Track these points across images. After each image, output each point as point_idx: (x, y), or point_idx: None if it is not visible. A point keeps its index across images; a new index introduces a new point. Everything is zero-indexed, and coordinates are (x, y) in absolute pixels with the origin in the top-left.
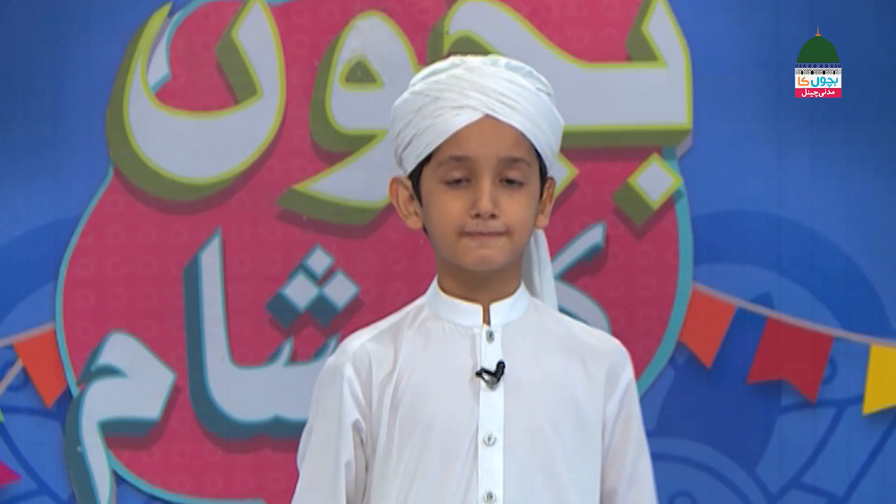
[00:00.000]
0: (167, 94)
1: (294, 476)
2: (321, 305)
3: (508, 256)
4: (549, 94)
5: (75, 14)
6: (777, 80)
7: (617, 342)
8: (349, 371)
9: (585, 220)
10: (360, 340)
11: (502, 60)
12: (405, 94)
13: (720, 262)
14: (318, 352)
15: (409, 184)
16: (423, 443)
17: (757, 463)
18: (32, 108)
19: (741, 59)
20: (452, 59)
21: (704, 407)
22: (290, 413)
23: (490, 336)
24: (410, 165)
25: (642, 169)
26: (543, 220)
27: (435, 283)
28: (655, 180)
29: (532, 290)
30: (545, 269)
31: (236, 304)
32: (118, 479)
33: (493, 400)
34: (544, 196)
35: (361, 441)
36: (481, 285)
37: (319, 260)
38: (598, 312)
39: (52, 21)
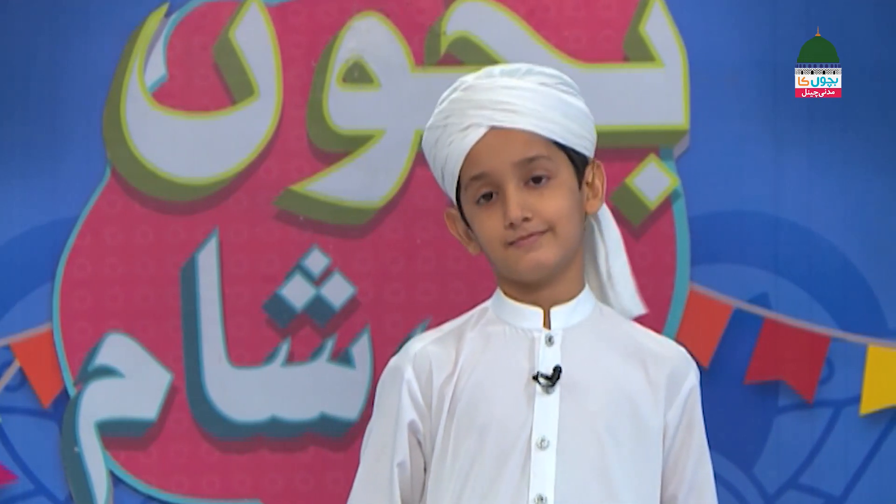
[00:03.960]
0: (164, 95)
1: (291, 477)
2: (318, 306)
3: (560, 252)
4: (560, 84)
5: (72, 14)
6: (774, 81)
7: (682, 350)
8: (409, 373)
9: None
10: (422, 343)
11: (497, 69)
12: (424, 133)
13: (717, 263)
14: (315, 352)
15: (458, 214)
16: (477, 444)
17: (754, 463)
18: (29, 109)
19: (738, 59)
20: (454, 84)
21: (701, 407)
22: (287, 413)
23: (549, 340)
24: (452, 196)
25: (639, 169)
26: (595, 204)
27: (498, 287)
28: (652, 181)
29: (600, 280)
30: (615, 255)
31: (233, 305)
32: (115, 480)
33: (547, 404)
34: (591, 179)
35: (419, 442)
36: (540, 289)
37: (316, 260)
38: None
39: (49, 21)
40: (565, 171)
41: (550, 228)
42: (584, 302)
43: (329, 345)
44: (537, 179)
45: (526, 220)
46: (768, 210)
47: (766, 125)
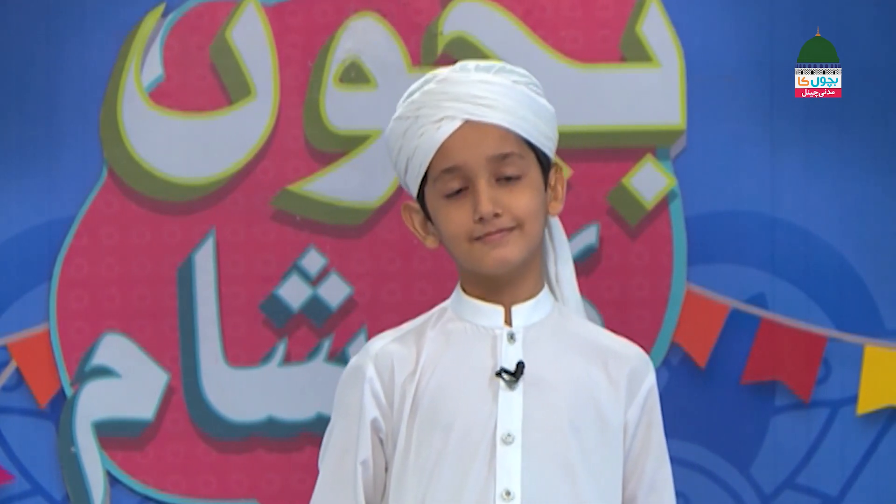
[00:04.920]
0: (161, 95)
1: (288, 477)
2: (315, 306)
3: (524, 250)
4: (530, 84)
5: (69, 14)
6: (771, 81)
7: (640, 350)
8: (371, 371)
9: (579, 220)
10: (383, 341)
11: (471, 64)
12: (390, 123)
13: (714, 263)
14: (312, 352)
15: (418, 207)
16: (441, 441)
17: (751, 463)
18: (26, 109)
19: (735, 59)
20: (425, 77)
21: (698, 407)
22: (283, 414)
23: (511, 337)
24: (414, 188)
25: (636, 169)
26: (557, 207)
27: (458, 286)
28: (649, 181)
29: (548, 281)
30: (563, 260)
31: (230, 305)
32: (112, 480)
33: (511, 399)
34: (553, 182)
35: (381, 441)
36: (502, 287)
37: (313, 260)
38: (592, 313)
39: (45, 21)
40: (534, 170)
41: (518, 226)
42: (544, 301)
43: (326, 345)
44: (508, 177)
45: (496, 215)
46: (765, 210)
47: (762, 125)
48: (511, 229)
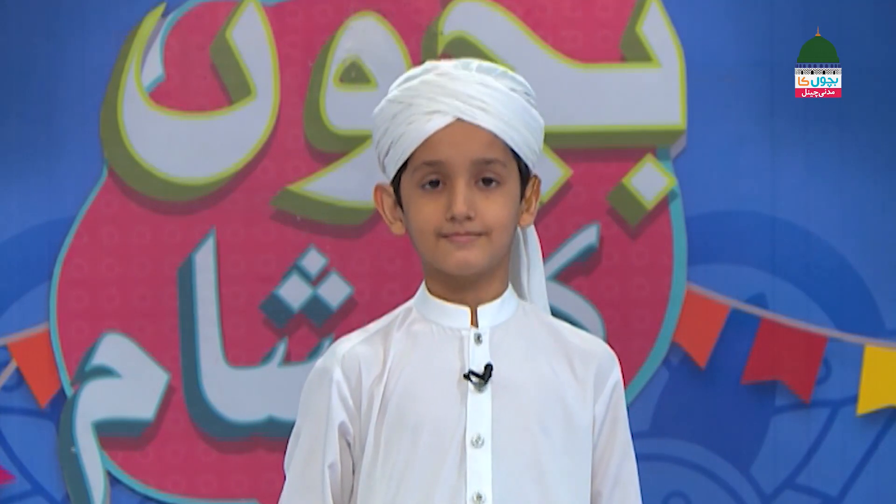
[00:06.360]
0: (161, 95)
1: None
2: (315, 306)
3: (489, 258)
4: (526, 94)
5: (69, 14)
6: (771, 81)
7: (605, 345)
8: (338, 374)
9: (580, 220)
10: (349, 343)
11: (474, 63)
12: (382, 102)
13: (714, 263)
14: (312, 352)
15: (391, 190)
16: (411, 444)
17: (751, 463)
18: (27, 109)
19: (735, 59)
20: (426, 65)
21: (698, 407)
22: (284, 413)
23: (478, 338)
24: (391, 172)
25: (636, 169)
26: (528, 219)
27: (423, 286)
28: (650, 181)
29: (520, 290)
30: (535, 268)
31: (230, 305)
32: (112, 480)
33: (480, 402)
34: (528, 194)
35: (348, 444)
36: (467, 287)
37: (313, 260)
38: (593, 313)
39: (46, 21)
40: (513, 180)
41: (487, 233)
42: (509, 300)
43: (326, 345)
44: (487, 182)
45: (468, 218)
46: (765, 210)
47: (763, 125)
48: (479, 234)
